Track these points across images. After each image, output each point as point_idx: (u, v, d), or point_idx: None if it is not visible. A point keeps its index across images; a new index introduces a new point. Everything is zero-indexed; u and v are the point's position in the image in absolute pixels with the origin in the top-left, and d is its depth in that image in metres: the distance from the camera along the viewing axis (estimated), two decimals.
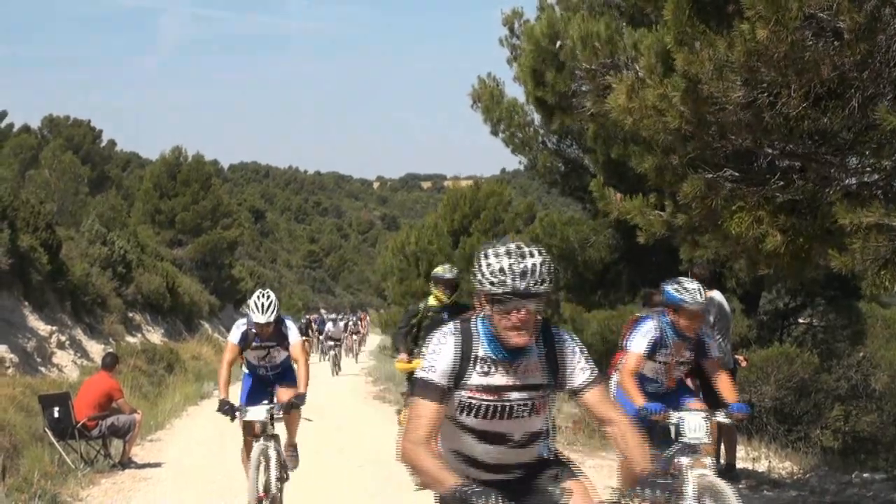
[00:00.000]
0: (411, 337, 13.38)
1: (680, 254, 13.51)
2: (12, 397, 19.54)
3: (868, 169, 8.49)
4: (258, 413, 10.76)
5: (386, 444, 10.33)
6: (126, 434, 15.66)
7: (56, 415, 15.50)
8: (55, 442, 15.30)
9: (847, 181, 8.52)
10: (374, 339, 52.72)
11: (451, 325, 5.02)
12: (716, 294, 12.44)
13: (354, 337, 45.44)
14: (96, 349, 32.17)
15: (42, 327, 29.61)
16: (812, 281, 14.92)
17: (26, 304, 29.72)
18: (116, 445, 15.94)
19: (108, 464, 15.37)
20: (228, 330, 27.06)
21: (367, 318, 62.52)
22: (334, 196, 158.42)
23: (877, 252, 7.93)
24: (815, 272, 11.26)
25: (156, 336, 42.64)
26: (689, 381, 9.88)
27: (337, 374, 35.20)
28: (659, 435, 8.69)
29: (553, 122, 16.20)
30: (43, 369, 27.26)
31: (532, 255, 4.70)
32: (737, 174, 8.98)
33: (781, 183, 8.75)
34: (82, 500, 12.75)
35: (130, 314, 40.92)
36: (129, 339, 37.99)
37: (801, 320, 17.09)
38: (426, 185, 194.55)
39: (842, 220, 8.02)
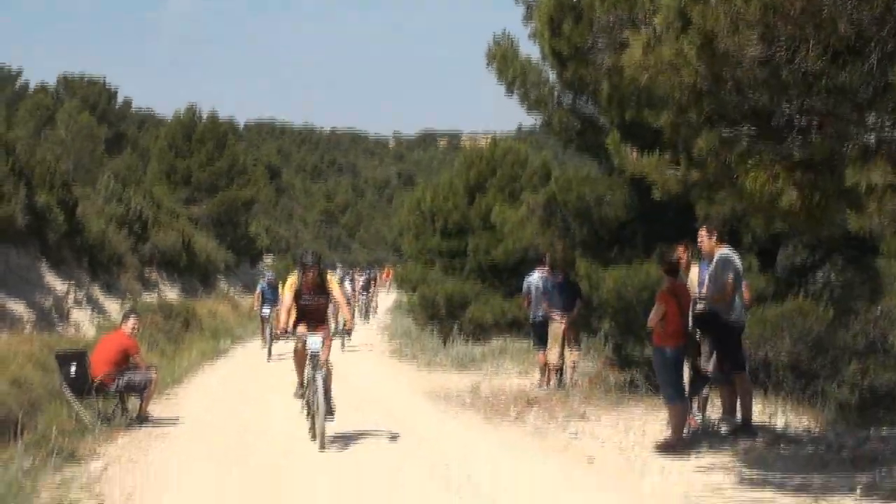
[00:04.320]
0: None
1: (696, 211, 13.45)
2: (30, 354, 19.64)
3: (887, 126, 8.41)
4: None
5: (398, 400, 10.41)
6: (143, 390, 15.71)
7: (73, 372, 15.54)
8: (72, 399, 15.36)
9: (865, 138, 8.43)
10: (391, 296, 52.65)
11: None
12: (726, 251, 12.38)
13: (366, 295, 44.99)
14: (113, 306, 32.31)
15: (59, 285, 29.72)
16: (830, 237, 14.84)
17: (44, 261, 29.82)
18: (133, 402, 15.98)
19: (125, 420, 15.43)
20: (245, 287, 27.16)
21: (389, 272, 62.09)
22: (350, 154, 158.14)
23: (893, 214, 7.86)
24: (831, 229, 11.20)
25: (172, 293, 42.75)
26: None
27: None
28: None
29: (567, 71, 16.13)
30: (60, 326, 27.39)
31: None
32: (753, 130, 8.90)
33: (799, 140, 8.67)
34: (99, 456, 12.78)
35: (147, 271, 41.02)
36: (146, 296, 38.11)
37: (818, 276, 17.04)
38: (442, 142, 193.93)
39: (851, 180, 7.96)
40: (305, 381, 13.58)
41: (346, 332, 14.15)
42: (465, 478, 10.99)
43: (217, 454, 13.02)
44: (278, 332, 13.64)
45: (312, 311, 13.59)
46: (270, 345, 26.06)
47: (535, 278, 18.69)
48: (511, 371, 20.85)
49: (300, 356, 13.60)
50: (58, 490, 10.83)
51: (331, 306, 14.76)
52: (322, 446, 12.57)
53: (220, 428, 15.30)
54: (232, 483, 11.23)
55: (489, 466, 11.64)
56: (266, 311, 27.34)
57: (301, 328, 13.45)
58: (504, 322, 25.83)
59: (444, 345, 25.46)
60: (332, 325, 14.92)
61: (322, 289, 13.52)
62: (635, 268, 15.87)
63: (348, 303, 17.49)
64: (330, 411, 12.95)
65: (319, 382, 12.87)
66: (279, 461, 12.42)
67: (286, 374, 19.42)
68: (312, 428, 13.24)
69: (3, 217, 25.94)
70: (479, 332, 26.01)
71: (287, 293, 13.63)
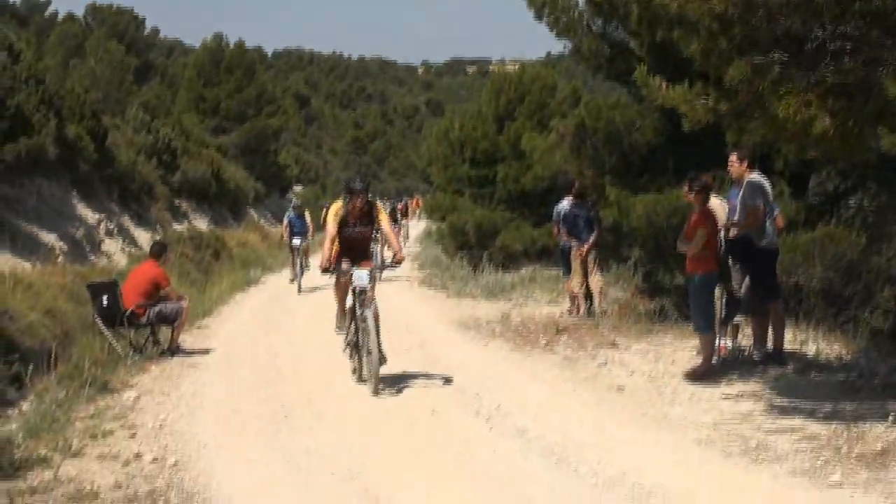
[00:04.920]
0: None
1: (726, 137, 13.30)
2: (62, 285, 19.75)
3: None
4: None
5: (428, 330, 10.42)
6: (174, 321, 15.78)
7: (105, 303, 15.63)
8: (104, 330, 15.45)
9: None
10: (420, 225, 52.65)
11: None
12: (756, 176, 12.28)
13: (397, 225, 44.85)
14: (144, 237, 32.45)
15: (90, 216, 29.86)
16: (863, 163, 14.65)
17: (74, 192, 29.93)
18: (165, 332, 16.08)
19: (156, 351, 15.52)
20: (275, 216, 27.07)
21: (418, 201, 61.94)
22: (379, 81, 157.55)
23: None
24: (865, 154, 11.07)
25: (202, 223, 42.88)
26: None
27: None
28: None
29: None
30: (92, 257, 27.54)
31: None
32: (785, 57, 8.76)
33: (831, 66, 8.53)
34: (132, 387, 12.88)
35: (176, 202, 41.14)
36: (176, 226, 38.25)
37: (850, 202, 16.86)
38: (471, 69, 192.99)
39: (892, 91, 7.84)
40: (347, 316, 12.82)
41: (395, 263, 12.84)
42: (494, 407, 11.02)
43: (248, 384, 13.10)
44: (321, 265, 12.50)
45: (357, 243, 12.71)
46: (301, 277, 25.60)
47: (565, 206, 18.63)
48: (541, 300, 20.82)
49: (342, 289, 12.79)
50: (91, 420, 10.94)
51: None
52: (375, 392, 11.82)
53: (251, 358, 15.38)
54: (263, 413, 11.29)
55: (518, 395, 11.66)
56: (296, 241, 26.54)
57: (345, 262, 12.49)
58: (533, 250, 25.80)
59: (474, 274, 25.44)
60: (378, 258, 14.18)
61: (369, 218, 12.57)
62: (665, 194, 15.75)
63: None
64: (383, 357, 12.18)
65: (371, 322, 12.00)
66: (312, 391, 12.49)
67: (318, 305, 19.48)
68: (358, 369, 12.62)
69: (34, 148, 25.98)
70: (509, 261, 26.00)
71: (331, 222, 12.57)
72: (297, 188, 63.70)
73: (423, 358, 14.38)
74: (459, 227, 28.81)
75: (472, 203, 29.68)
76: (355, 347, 12.67)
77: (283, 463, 9.14)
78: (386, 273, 19.58)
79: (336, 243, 12.62)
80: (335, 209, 12.60)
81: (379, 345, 12.05)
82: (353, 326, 12.68)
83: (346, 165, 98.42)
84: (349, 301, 12.74)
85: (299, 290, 25.11)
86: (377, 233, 13.86)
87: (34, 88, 28.32)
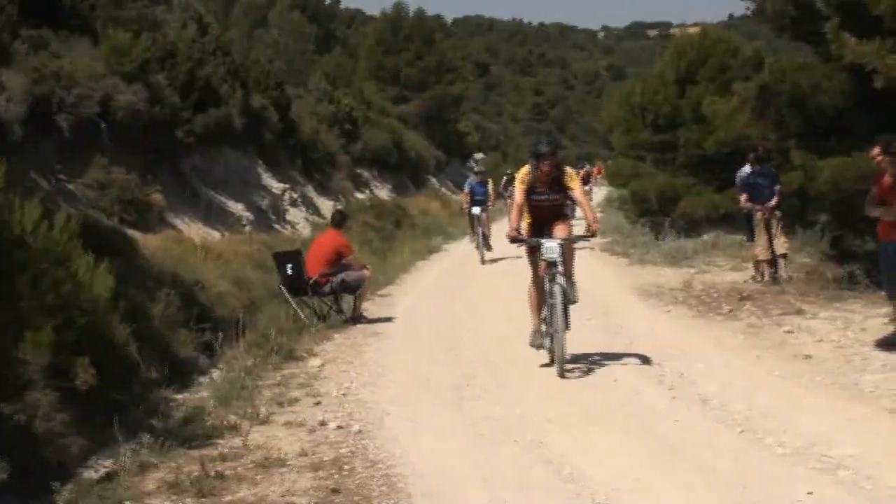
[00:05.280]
0: None
1: None
2: (249, 255, 20.22)
3: None
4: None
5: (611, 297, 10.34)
6: (356, 290, 15.99)
7: (289, 271, 15.94)
8: (289, 298, 15.76)
9: None
10: (602, 192, 52.30)
11: None
12: None
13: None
14: (326, 205, 32.97)
15: (275, 185, 30.49)
16: None
17: (260, 162, 30.58)
18: (347, 301, 16.31)
19: (339, 319, 15.76)
20: (456, 184, 27.01)
21: (600, 168, 61.54)
22: (559, 47, 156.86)
23: None
24: None
25: (383, 192, 43.37)
26: None
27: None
28: None
29: None
30: (277, 226, 28.13)
31: None
32: None
33: None
34: (316, 355, 13.08)
35: (358, 170, 41.65)
36: (358, 195, 38.77)
37: None
38: (652, 33, 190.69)
39: None
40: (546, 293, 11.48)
41: (589, 235, 11.64)
42: (677, 375, 10.88)
43: (430, 353, 13.19)
44: (508, 234, 11.47)
45: (548, 211, 11.68)
46: (483, 248, 24.80)
47: (746, 171, 18.31)
48: (723, 266, 20.47)
49: (538, 277, 11.62)
50: (278, 388, 11.16)
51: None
52: (561, 374, 10.96)
53: (433, 326, 15.48)
54: (445, 381, 11.36)
55: (702, 364, 11.47)
56: (476, 209, 25.68)
57: (532, 231, 11.62)
58: (716, 216, 25.36)
59: (656, 240, 25.16)
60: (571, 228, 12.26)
61: (559, 184, 11.45)
62: (855, 157, 15.29)
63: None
64: (566, 324, 11.19)
65: (558, 296, 11.09)
66: (494, 359, 12.50)
67: (501, 274, 19.50)
68: (549, 351, 11.57)
69: (222, 119, 26.59)
70: (691, 227, 25.63)
71: (518, 189, 11.57)
72: (478, 154, 63.90)
73: (605, 326, 14.28)
74: (641, 193, 28.51)
75: (654, 168, 29.34)
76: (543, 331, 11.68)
77: (465, 431, 9.15)
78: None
79: (526, 213, 11.74)
80: (522, 175, 11.69)
81: (567, 316, 11.22)
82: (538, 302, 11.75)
83: (527, 132, 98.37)
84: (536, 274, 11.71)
85: (482, 261, 24.43)
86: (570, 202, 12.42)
87: (221, 60, 29.01)
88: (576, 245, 12.09)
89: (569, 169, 11.84)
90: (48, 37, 21.24)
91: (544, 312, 11.60)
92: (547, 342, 11.58)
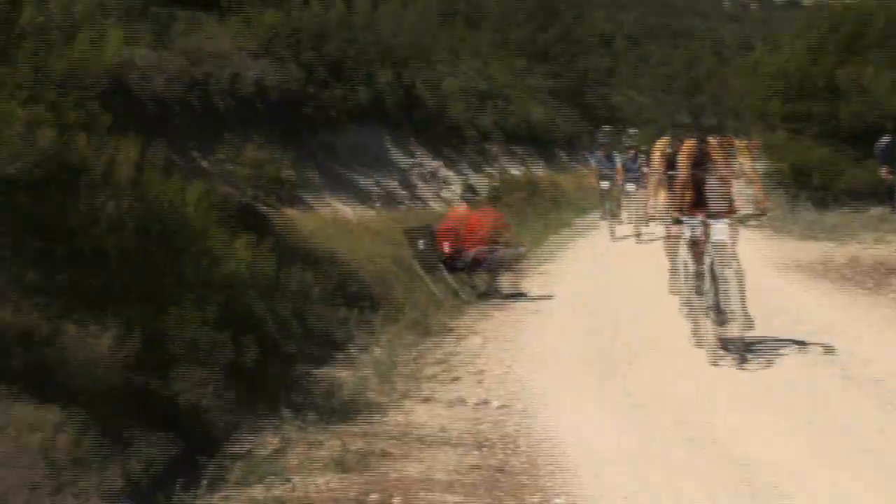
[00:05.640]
0: None
1: None
2: (387, 230, 20.26)
3: None
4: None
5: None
6: (514, 266, 15.98)
7: (447, 249, 15.97)
8: (447, 276, 15.87)
9: None
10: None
11: None
12: None
13: None
14: (455, 181, 32.92)
15: (405, 161, 30.55)
16: None
17: (388, 138, 30.70)
18: (504, 277, 16.24)
19: (499, 296, 15.76)
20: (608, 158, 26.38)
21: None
22: (710, 18, 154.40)
23: None
24: None
25: (534, 167, 43.03)
26: None
27: None
28: None
29: None
30: (410, 203, 28.18)
31: None
32: None
33: None
34: (477, 333, 13.10)
35: (489, 146, 41.41)
36: (513, 171, 38.57)
37: None
38: (808, 2, 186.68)
39: None
40: (681, 273, 11.11)
41: (760, 214, 11.19)
42: (821, 351, 10.61)
43: (589, 333, 12.98)
44: (645, 213, 11.06)
45: (698, 187, 10.80)
46: (614, 223, 23.82)
47: (886, 142, 17.87)
48: (866, 240, 19.96)
49: (672, 243, 11.25)
50: (439, 366, 11.23)
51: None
52: (712, 361, 10.35)
53: (592, 306, 15.03)
54: (605, 360, 11.20)
55: (845, 338, 11.11)
56: (605, 184, 24.57)
57: (686, 211, 10.76)
58: (857, 189, 24.79)
59: (792, 213, 24.65)
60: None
61: (707, 158, 10.67)
62: None
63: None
64: (748, 321, 10.44)
65: (732, 281, 10.34)
66: (653, 339, 12.24)
67: (656, 252, 19.26)
68: (696, 332, 10.96)
69: (351, 95, 26.65)
70: (831, 200, 25.06)
71: (656, 162, 11.24)
72: (632, 130, 63.20)
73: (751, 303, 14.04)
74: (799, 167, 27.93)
75: (793, 141, 28.76)
76: (695, 307, 10.92)
77: (629, 411, 9.06)
78: None
79: (676, 189, 10.93)
80: (661, 146, 11.30)
81: (743, 307, 10.42)
82: (694, 285, 10.91)
83: (676, 105, 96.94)
84: (684, 255, 11.04)
85: (613, 237, 23.37)
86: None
87: (373, 38, 29.11)
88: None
89: (737, 141, 11.18)
90: (200, 17, 21.57)
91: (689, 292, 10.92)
92: (701, 333, 10.81)
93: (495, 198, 16.77)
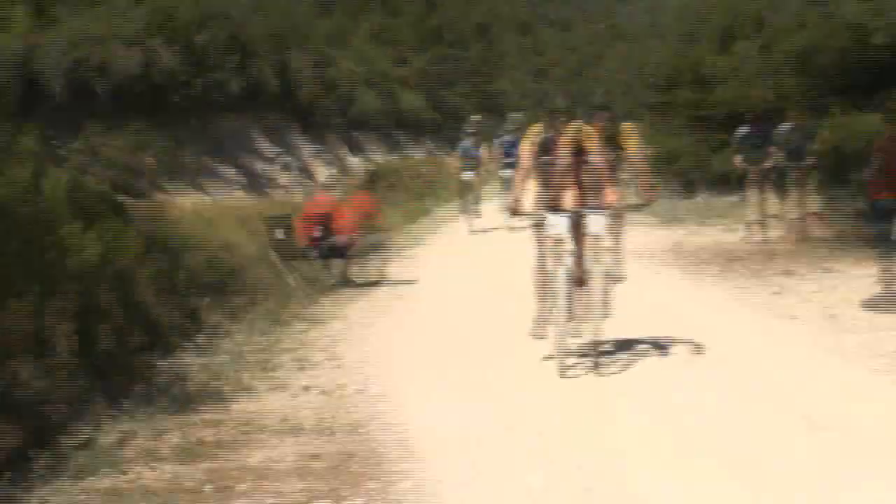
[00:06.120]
0: None
1: None
2: (247, 218, 20.13)
3: None
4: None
5: None
6: (376, 252, 16.03)
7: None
8: (279, 262, 15.74)
9: None
10: None
11: None
12: None
13: None
14: (322, 170, 32.82)
15: (270, 149, 30.35)
16: None
17: (255, 126, 30.46)
18: (369, 264, 16.37)
19: (361, 282, 16.00)
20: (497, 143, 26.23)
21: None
22: (561, 9, 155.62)
23: None
24: None
25: (385, 155, 43.04)
26: None
27: None
28: None
29: None
30: (270, 190, 28.03)
31: None
32: None
33: None
34: (337, 318, 13.29)
35: (354, 133, 41.33)
36: (358, 158, 38.50)
37: None
38: None
39: None
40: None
41: (643, 205, 10.34)
42: (663, 336, 10.85)
43: (451, 318, 12.97)
44: (509, 206, 9.88)
45: (569, 178, 9.83)
46: (474, 217, 23.03)
47: (744, 131, 18.34)
48: (715, 227, 20.42)
49: (540, 239, 9.81)
50: (298, 352, 11.25)
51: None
52: (563, 372, 9.29)
53: (454, 291, 15.11)
54: (463, 347, 11.13)
55: (689, 324, 11.42)
56: (468, 175, 23.76)
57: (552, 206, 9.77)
58: (709, 177, 25.29)
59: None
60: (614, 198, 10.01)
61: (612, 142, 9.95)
62: (852, 117, 15.29)
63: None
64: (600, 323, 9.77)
65: (563, 281, 9.43)
66: (516, 325, 12.31)
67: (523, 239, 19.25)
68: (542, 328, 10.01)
69: (218, 83, 26.37)
70: (685, 188, 25.56)
71: (524, 149, 9.91)
72: (514, 115, 63.36)
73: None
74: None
75: (652, 129, 29.16)
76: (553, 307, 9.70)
77: (482, 396, 9.06)
78: None
79: (549, 179, 9.99)
80: (532, 133, 9.94)
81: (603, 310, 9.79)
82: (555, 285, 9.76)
83: (557, 91, 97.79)
84: (549, 253, 9.87)
85: (471, 229, 22.54)
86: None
87: (221, 23, 28.77)
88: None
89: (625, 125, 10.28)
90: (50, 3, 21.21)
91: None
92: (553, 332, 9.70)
93: (368, 184, 16.70)
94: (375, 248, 15.97)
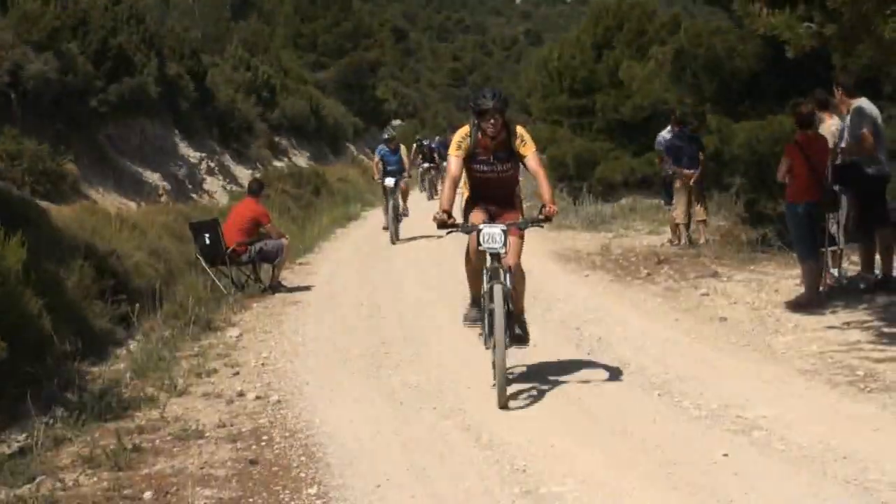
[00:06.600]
0: None
1: (832, 60, 12.95)
2: (165, 224, 20.01)
3: None
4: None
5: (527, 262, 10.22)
6: (275, 259, 15.91)
7: (207, 241, 15.80)
8: (207, 268, 15.64)
9: None
10: None
11: None
12: (861, 102, 11.97)
13: None
14: (244, 174, 32.78)
15: (192, 154, 30.20)
16: None
17: (176, 132, 30.26)
18: (266, 270, 16.22)
19: (258, 288, 15.70)
20: (374, 151, 26.21)
21: None
22: (476, 12, 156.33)
23: None
24: None
25: (302, 159, 43.14)
26: None
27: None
28: None
29: None
30: (194, 196, 27.89)
31: None
32: None
33: None
34: (234, 325, 13.06)
35: (276, 138, 41.39)
36: (276, 163, 38.54)
37: None
38: None
39: None
40: (483, 297, 9.01)
41: (544, 219, 8.91)
42: (595, 339, 10.95)
43: (350, 320, 13.18)
44: (435, 217, 8.66)
45: (493, 186, 9.18)
46: (398, 224, 21.90)
47: (666, 135, 18.49)
48: (641, 230, 20.65)
49: (475, 259, 9.06)
50: (195, 359, 11.08)
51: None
52: (502, 404, 8.43)
53: (353, 294, 15.43)
54: (363, 350, 11.32)
55: (619, 327, 11.56)
56: (390, 181, 22.46)
57: (477, 214, 9.13)
58: (633, 181, 25.54)
59: (574, 205, 25.23)
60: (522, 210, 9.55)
61: (508, 150, 8.93)
62: (768, 121, 15.47)
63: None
64: (521, 338, 9.27)
65: (498, 297, 8.53)
66: (413, 328, 12.51)
67: (421, 248, 19.23)
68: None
69: (136, 88, 26.22)
70: (609, 192, 25.79)
71: (452, 156, 9.00)
72: (395, 122, 63.62)
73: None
74: (559, 158, 28.52)
75: (572, 133, 29.38)
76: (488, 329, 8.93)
77: (384, 399, 9.16)
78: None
79: (464, 187, 9.56)
80: (459, 138, 9.03)
81: (513, 325, 9.01)
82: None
83: (445, 98, 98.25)
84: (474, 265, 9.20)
85: (394, 240, 21.51)
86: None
87: (135, 28, 28.59)
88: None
89: (521, 130, 9.11)
90: None
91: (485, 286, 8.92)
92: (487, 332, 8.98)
93: (258, 190, 16.54)
94: (277, 252, 15.85)
